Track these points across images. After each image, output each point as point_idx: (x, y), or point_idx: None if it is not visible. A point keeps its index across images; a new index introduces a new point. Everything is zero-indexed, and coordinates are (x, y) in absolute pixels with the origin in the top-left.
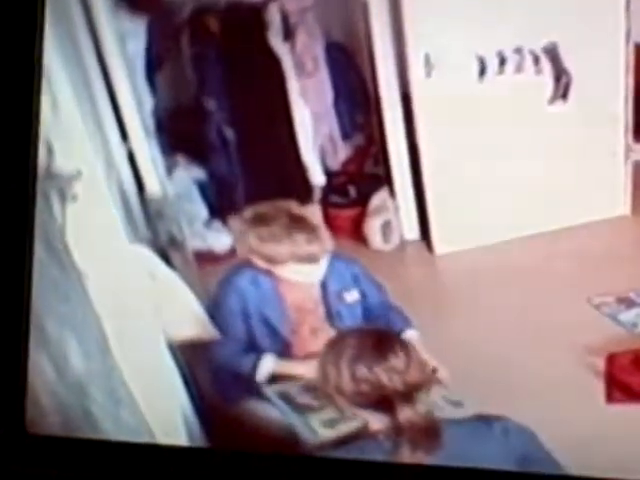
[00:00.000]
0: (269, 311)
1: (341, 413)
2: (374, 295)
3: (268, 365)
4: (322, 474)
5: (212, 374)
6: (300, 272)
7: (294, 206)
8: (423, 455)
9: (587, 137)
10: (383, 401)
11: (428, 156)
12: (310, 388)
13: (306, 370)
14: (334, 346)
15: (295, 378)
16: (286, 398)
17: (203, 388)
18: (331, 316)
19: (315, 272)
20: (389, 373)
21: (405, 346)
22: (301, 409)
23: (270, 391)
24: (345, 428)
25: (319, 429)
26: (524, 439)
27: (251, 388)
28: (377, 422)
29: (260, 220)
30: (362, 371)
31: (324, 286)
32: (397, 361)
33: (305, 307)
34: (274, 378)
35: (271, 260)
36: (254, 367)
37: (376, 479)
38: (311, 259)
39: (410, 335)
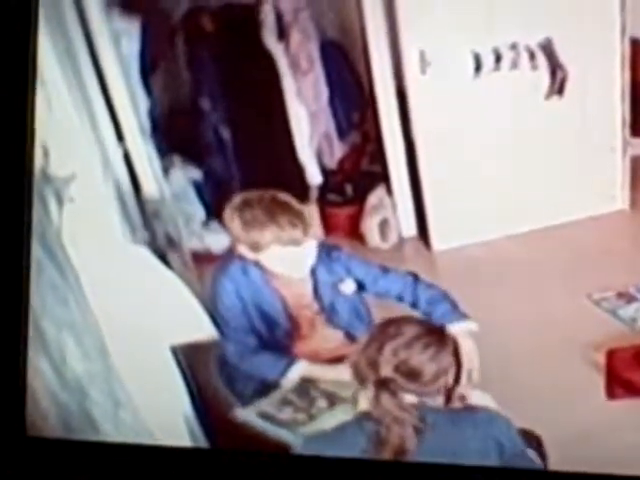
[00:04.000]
0: (265, 303)
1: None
2: (380, 282)
3: (300, 370)
4: (318, 472)
5: (212, 374)
6: (284, 258)
7: (281, 193)
8: (405, 444)
9: (584, 132)
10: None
11: (425, 153)
12: (287, 402)
13: (337, 374)
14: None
15: (322, 381)
16: (266, 417)
17: (205, 389)
18: (324, 310)
19: (299, 259)
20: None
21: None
22: (285, 424)
23: (248, 415)
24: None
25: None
26: (503, 428)
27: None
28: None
29: (245, 205)
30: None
31: (316, 279)
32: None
33: (301, 301)
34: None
35: (255, 246)
36: (284, 372)
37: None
38: (294, 242)
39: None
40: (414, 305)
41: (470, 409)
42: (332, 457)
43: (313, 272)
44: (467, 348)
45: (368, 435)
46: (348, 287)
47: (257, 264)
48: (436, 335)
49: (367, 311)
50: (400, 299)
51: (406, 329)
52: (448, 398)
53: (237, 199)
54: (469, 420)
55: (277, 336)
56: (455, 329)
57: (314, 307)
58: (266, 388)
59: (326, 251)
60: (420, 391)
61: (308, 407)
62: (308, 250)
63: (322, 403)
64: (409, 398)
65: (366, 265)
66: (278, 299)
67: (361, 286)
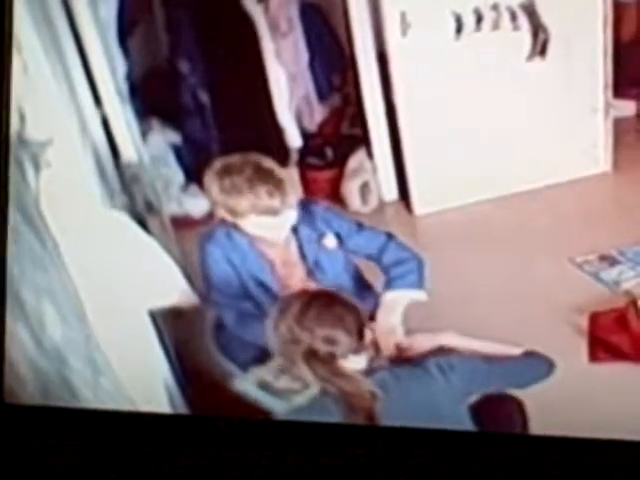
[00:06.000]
0: (252, 266)
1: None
2: (354, 236)
3: None
4: (300, 438)
5: (199, 340)
6: (262, 226)
7: (264, 159)
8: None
9: (566, 94)
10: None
11: (406, 116)
12: (285, 369)
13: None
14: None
15: None
16: (265, 387)
17: (185, 355)
18: (310, 269)
19: (277, 227)
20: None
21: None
22: (280, 393)
23: (247, 385)
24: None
25: None
26: (462, 371)
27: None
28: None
29: (226, 171)
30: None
31: (298, 237)
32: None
33: (289, 261)
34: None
35: (233, 212)
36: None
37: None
38: (271, 212)
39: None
40: (378, 261)
41: (420, 361)
42: (313, 422)
43: (295, 231)
44: (389, 318)
45: (336, 404)
46: (330, 241)
47: (237, 227)
48: (329, 300)
49: (354, 268)
50: (369, 258)
51: (300, 301)
52: (377, 350)
53: (218, 163)
54: (423, 372)
55: (267, 299)
56: (395, 295)
57: (301, 266)
58: (265, 355)
59: (305, 208)
60: (350, 351)
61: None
62: (286, 219)
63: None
64: (356, 364)
65: (343, 219)
66: (266, 261)
67: (340, 240)
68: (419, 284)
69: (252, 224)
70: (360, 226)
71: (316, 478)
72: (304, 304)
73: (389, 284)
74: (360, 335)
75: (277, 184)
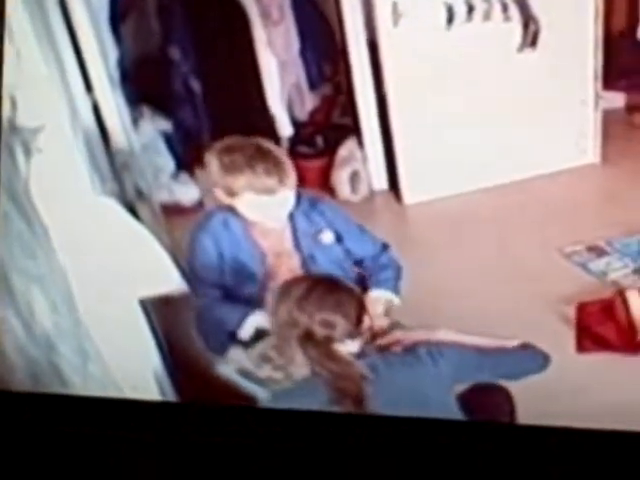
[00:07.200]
0: (243, 255)
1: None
2: (354, 240)
3: (256, 321)
4: (287, 425)
5: (183, 328)
6: (258, 206)
7: (265, 141)
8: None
9: (556, 85)
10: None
11: (396, 105)
12: (267, 359)
13: None
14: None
15: None
16: (245, 374)
17: (174, 342)
18: (305, 260)
19: (274, 208)
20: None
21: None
22: (262, 382)
23: (228, 371)
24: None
25: None
26: (452, 359)
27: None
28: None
29: (227, 150)
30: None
31: (295, 229)
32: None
33: (281, 251)
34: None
35: (230, 191)
36: (239, 322)
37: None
38: (268, 191)
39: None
40: (365, 264)
41: (411, 348)
42: (300, 410)
43: (292, 221)
44: (374, 310)
45: (324, 390)
46: (327, 237)
47: (235, 212)
48: (331, 286)
49: (349, 263)
50: (358, 260)
51: (303, 286)
52: (373, 337)
53: (220, 143)
54: (414, 358)
55: (251, 288)
56: (379, 293)
57: (294, 257)
58: (236, 341)
59: (309, 201)
60: (345, 337)
61: (286, 365)
62: (283, 200)
63: (297, 359)
64: (350, 347)
65: (347, 220)
66: (256, 251)
67: (339, 239)
68: (397, 290)
69: (248, 204)
70: (362, 230)
71: (304, 465)
72: (307, 288)
73: (373, 285)
74: (358, 321)
75: (276, 163)
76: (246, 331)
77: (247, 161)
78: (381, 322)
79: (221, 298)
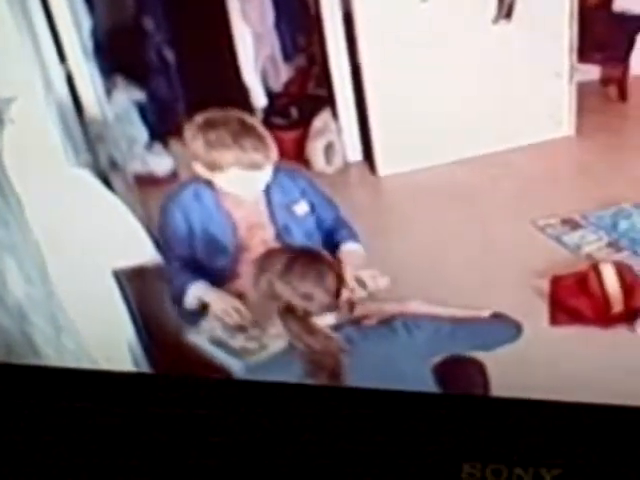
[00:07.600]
0: (215, 227)
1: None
2: (324, 208)
3: (195, 292)
4: (263, 397)
5: (156, 299)
6: (241, 180)
7: (246, 115)
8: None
9: (531, 57)
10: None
11: (371, 77)
12: (240, 328)
13: (230, 303)
14: (264, 262)
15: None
16: (218, 343)
17: (148, 314)
18: (279, 232)
19: (254, 182)
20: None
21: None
22: (235, 352)
23: (200, 339)
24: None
25: None
26: (427, 331)
27: (194, 316)
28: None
29: (210, 125)
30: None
31: (270, 200)
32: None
33: (254, 223)
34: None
35: (214, 166)
36: (181, 292)
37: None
38: (255, 166)
39: (353, 248)
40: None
41: (387, 320)
42: (274, 382)
43: (267, 193)
44: (354, 262)
45: (300, 362)
46: (301, 208)
47: (210, 184)
48: (310, 257)
49: (321, 233)
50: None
51: (283, 258)
52: (350, 309)
53: (200, 118)
54: (389, 331)
55: (223, 260)
56: (347, 248)
57: (267, 228)
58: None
59: (285, 172)
60: (324, 309)
61: (260, 335)
62: (265, 175)
63: (273, 331)
64: (327, 320)
65: (319, 191)
66: (228, 222)
67: (313, 209)
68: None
69: (230, 179)
70: (328, 196)
71: (278, 438)
72: (289, 260)
73: (341, 241)
74: (337, 293)
75: (260, 138)
76: (189, 302)
77: (233, 137)
78: (360, 294)
79: (180, 268)
